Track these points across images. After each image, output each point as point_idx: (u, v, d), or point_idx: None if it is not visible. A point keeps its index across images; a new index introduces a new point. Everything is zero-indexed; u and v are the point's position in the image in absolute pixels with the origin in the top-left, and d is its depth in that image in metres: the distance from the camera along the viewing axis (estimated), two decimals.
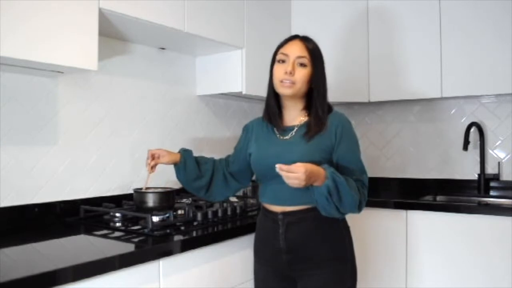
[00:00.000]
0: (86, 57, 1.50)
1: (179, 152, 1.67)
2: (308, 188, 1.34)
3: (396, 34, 2.62)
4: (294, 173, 1.28)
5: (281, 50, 1.49)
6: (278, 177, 1.42)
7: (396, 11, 2.61)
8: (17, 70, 1.56)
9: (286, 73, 1.44)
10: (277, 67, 1.48)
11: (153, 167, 1.65)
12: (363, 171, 1.45)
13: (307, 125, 1.48)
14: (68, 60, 1.45)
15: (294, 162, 1.37)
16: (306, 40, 1.49)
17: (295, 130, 1.49)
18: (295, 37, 1.51)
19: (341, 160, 1.43)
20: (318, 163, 1.37)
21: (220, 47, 2.17)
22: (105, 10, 1.55)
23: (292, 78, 1.44)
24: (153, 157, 1.64)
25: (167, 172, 1.76)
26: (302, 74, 1.45)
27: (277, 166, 1.30)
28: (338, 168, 1.42)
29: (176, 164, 1.65)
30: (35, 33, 1.35)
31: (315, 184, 1.32)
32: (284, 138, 1.49)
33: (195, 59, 2.38)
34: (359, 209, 1.39)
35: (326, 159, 1.42)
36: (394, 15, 2.62)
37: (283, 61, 1.47)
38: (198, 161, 1.68)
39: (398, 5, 2.60)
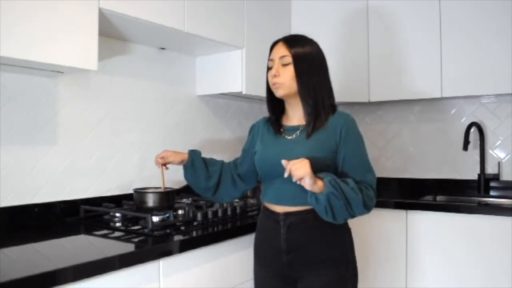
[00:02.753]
0: (86, 57, 1.50)
1: (187, 152, 1.70)
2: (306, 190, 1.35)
3: (396, 34, 2.62)
4: (296, 162, 1.31)
5: (269, 57, 1.54)
6: (282, 176, 1.42)
7: (396, 11, 2.61)
8: (17, 70, 1.55)
9: (272, 76, 1.48)
10: (268, 74, 1.53)
11: (164, 165, 1.70)
12: (369, 170, 1.45)
13: (307, 123, 1.49)
14: (68, 60, 1.45)
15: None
16: (288, 41, 1.50)
17: (300, 130, 1.49)
18: (278, 40, 1.53)
19: (346, 160, 1.42)
20: (321, 162, 1.38)
21: (220, 47, 2.17)
22: (105, 10, 1.55)
23: (279, 80, 1.47)
24: (161, 159, 1.70)
25: (168, 172, 1.76)
26: (286, 74, 1.46)
27: (283, 161, 1.34)
28: (343, 168, 1.42)
29: (184, 164, 1.68)
30: (35, 33, 1.35)
31: (316, 187, 1.31)
32: (289, 137, 1.50)
33: (195, 59, 2.38)
34: (367, 209, 1.39)
35: (330, 159, 1.42)
36: (394, 15, 2.62)
37: (271, 67, 1.51)
38: (206, 162, 1.70)
39: (398, 5, 2.60)
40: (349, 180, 1.37)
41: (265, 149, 1.54)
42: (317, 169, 1.38)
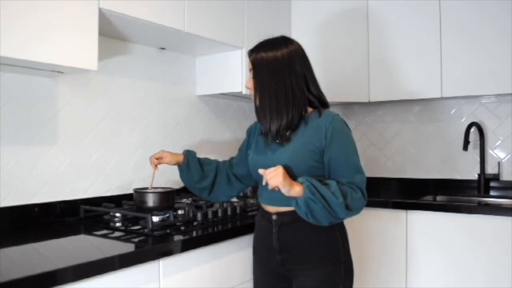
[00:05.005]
0: (86, 57, 1.50)
1: (182, 153, 1.71)
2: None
3: (396, 34, 2.61)
4: (271, 171, 1.34)
5: None
6: None
7: (396, 11, 2.61)
8: (17, 70, 1.55)
9: (246, 89, 1.57)
10: None
11: (156, 165, 1.71)
12: (357, 171, 1.42)
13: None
14: (68, 60, 1.45)
15: (281, 164, 1.39)
16: (251, 51, 1.51)
17: (287, 133, 1.47)
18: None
19: (332, 161, 1.41)
20: (304, 164, 1.40)
21: (220, 47, 2.17)
22: (105, 10, 1.55)
23: (250, 92, 1.51)
24: (157, 159, 1.70)
25: (168, 172, 1.76)
26: (252, 85, 1.50)
27: (260, 170, 1.38)
28: (330, 169, 1.42)
29: (179, 165, 1.70)
30: (35, 33, 1.35)
31: (293, 193, 1.33)
32: (278, 141, 1.48)
33: (195, 59, 2.38)
34: (352, 211, 1.37)
35: (316, 160, 1.41)
36: (394, 15, 2.62)
37: None
38: (201, 162, 1.72)
39: (398, 5, 2.60)
40: (332, 183, 1.35)
41: (256, 153, 1.55)
42: (299, 172, 1.39)
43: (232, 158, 1.75)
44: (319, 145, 1.41)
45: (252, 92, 1.50)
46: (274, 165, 1.37)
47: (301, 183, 1.33)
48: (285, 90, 1.43)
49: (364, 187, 1.41)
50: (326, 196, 1.32)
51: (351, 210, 1.36)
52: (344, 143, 1.43)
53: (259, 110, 1.49)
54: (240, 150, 1.72)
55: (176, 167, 1.72)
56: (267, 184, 1.36)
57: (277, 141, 1.47)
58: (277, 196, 1.42)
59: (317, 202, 1.31)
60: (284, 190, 1.33)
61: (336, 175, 1.40)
